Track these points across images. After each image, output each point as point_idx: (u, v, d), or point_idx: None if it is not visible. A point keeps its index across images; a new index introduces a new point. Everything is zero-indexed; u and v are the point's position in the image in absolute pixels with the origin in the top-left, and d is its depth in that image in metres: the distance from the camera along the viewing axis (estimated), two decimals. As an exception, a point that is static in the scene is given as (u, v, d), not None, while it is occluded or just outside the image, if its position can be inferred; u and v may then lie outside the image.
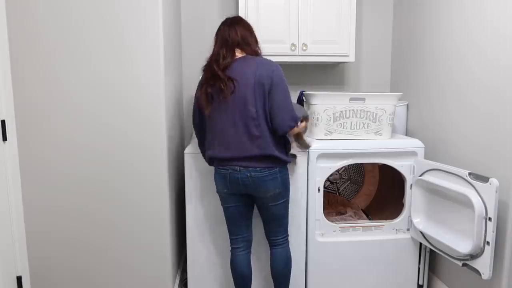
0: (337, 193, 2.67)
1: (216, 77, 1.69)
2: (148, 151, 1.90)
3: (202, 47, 2.66)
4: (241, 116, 1.68)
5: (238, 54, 1.76)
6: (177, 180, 2.27)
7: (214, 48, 1.79)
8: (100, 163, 1.89)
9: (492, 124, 1.77)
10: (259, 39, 2.38)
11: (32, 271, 1.93)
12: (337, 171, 2.53)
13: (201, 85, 1.78)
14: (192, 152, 2.04)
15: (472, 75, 1.90)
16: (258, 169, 1.71)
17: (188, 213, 2.07)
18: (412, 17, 2.50)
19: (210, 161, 1.84)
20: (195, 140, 2.16)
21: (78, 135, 1.86)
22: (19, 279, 1.86)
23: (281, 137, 1.76)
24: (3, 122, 1.73)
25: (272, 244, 1.91)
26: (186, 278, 2.19)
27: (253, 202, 1.87)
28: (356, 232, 2.19)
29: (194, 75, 2.64)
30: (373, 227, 2.20)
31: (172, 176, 2.08)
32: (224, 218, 1.92)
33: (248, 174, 1.71)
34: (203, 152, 1.92)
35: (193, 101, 1.92)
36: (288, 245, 1.92)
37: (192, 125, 1.95)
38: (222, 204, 1.88)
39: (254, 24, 2.32)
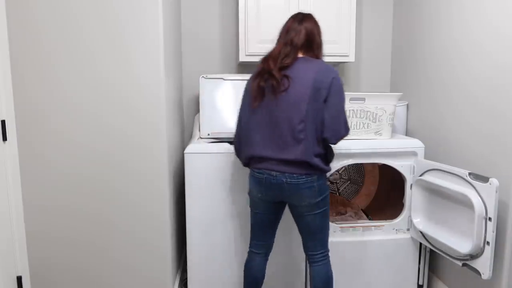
0: (337, 193, 2.67)
1: (271, 74, 1.63)
2: (148, 151, 1.90)
3: (202, 47, 2.66)
4: (289, 116, 1.60)
5: (300, 54, 1.69)
6: (177, 180, 2.27)
7: (277, 43, 1.71)
8: (100, 163, 1.89)
9: (492, 124, 1.77)
10: (259, 39, 2.39)
11: (32, 271, 1.93)
12: (337, 171, 2.53)
13: (254, 78, 1.69)
14: (192, 152, 2.04)
15: (472, 75, 1.90)
16: (294, 175, 1.62)
17: (188, 213, 2.07)
18: (412, 17, 2.50)
19: (247, 160, 1.75)
20: (195, 140, 2.16)
21: (78, 135, 1.86)
22: (19, 279, 1.86)
23: (327, 146, 1.69)
24: (3, 122, 1.73)
25: (310, 261, 1.78)
26: (186, 278, 2.18)
27: (283, 210, 1.81)
28: (356, 232, 2.19)
29: (194, 75, 2.64)
30: (373, 227, 2.20)
31: (172, 176, 2.08)
32: (251, 222, 1.85)
33: (284, 180, 1.63)
34: (239, 151, 1.80)
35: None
36: (328, 262, 1.77)
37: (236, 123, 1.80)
38: (251, 208, 1.81)
39: (254, 24, 2.34)
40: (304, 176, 1.63)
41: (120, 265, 1.98)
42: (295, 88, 1.60)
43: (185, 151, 2.04)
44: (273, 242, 1.86)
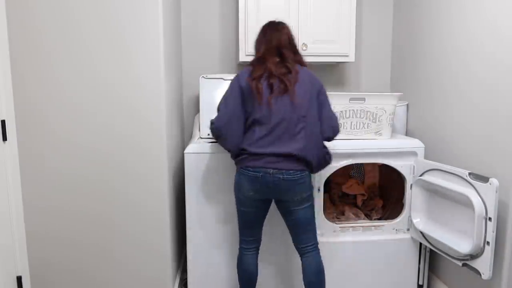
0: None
1: (273, 75, 1.72)
2: (148, 151, 1.90)
3: (202, 47, 2.66)
4: (291, 115, 1.70)
5: (289, 56, 1.79)
6: (177, 180, 2.27)
7: (263, 47, 1.80)
8: (100, 163, 1.89)
9: (492, 124, 1.77)
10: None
11: (32, 271, 1.93)
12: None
13: (255, 77, 1.72)
14: (192, 152, 2.04)
15: (472, 74, 1.90)
16: (291, 171, 1.70)
17: (188, 213, 2.07)
18: (412, 17, 2.50)
19: (237, 151, 1.76)
20: (195, 140, 2.16)
21: (78, 135, 1.86)
22: (19, 279, 1.86)
23: (324, 146, 1.81)
24: (3, 122, 1.73)
25: (300, 253, 1.85)
26: (186, 278, 2.18)
27: (270, 206, 1.85)
28: (356, 232, 2.19)
29: (194, 75, 2.64)
30: (373, 227, 2.20)
31: (172, 176, 2.08)
32: (238, 219, 1.88)
33: (281, 176, 1.70)
34: (225, 139, 1.78)
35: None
36: (318, 253, 1.85)
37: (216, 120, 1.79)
38: (239, 206, 1.83)
39: (254, 24, 2.34)
40: (299, 172, 1.72)
41: (120, 265, 1.98)
42: (297, 90, 1.72)
43: (185, 151, 2.04)
44: (261, 235, 1.92)
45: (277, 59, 1.75)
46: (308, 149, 1.72)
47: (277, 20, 1.87)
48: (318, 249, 1.85)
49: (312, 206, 1.83)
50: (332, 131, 1.79)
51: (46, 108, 1.83)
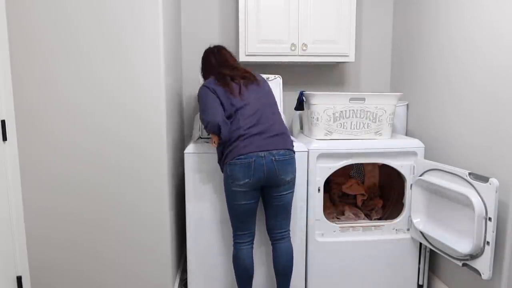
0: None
1: (242, 77, 1.93)
2: (148, 152, 1.90)
3: (202, 47, 2.65)
4: (265, 98, 1.90)
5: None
6: (177, 180, 2.27)
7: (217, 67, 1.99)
8: (100, 163, 1.89)
9: (492, 124, 1.77)
10: (259, 39, 2.41)
11: (32, 271, 1.93)
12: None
13: (223, 79, 1.90)
14: (192, 152, 2.04)
15: (472, 74, 1.90)
16: (281, 151, 1.81)
17: (188, 213, 2.07)
18: (412, 17, 2.50)
19: (229, 145, 1.81)
20: (195, 140, 2.16)
21: (78, 136, 1.86)
22: (19, 279, 1.86)
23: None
24: (3, 122, 1.73)
25: (276, 239, 1.94)
26: (186, 278, 2.19)
27: (259, 197, 1.90)
28: (356, 232, 2.19)
29: (194, 75, 2.64)
30: (373, 227, 2.20)
31: (172, 176, 2.08)
32: (231, 215, 1.90)
33: (273, 158, 1.79)
34: (224, 130, 1.83)
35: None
36: (290, 239, 1.96)
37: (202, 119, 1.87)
38: (233, 201, 1.85)
39: (254, 24, 2.34)
40: (288, 152, 1.84)
41: (120, 265, 1.98)
42: (260, 80, 1.98)
43: (185, 151, 2.04)
44: (255, 228, 1.95)
45: (230, 70, 1.94)
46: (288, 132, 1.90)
47: (212, 45, 2.09)
48: (290, 236, 1.97)
49: (294, 192, 1.94)
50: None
51: (45, 108, 1.83)
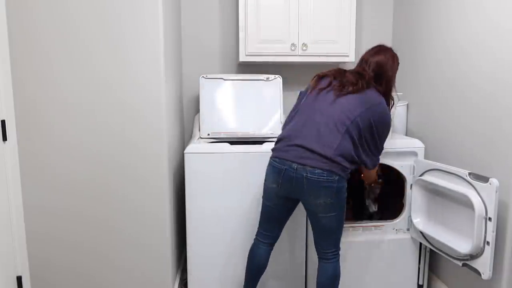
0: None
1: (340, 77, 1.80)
2: (149, 151, 1.90)
3: (202, 47, 2.66)
4: (339, 116, 1.66)
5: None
6: (177, 180, 2.27)
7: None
8: (100, 163, 1.89)
9: (492, 124, 1.77)
10: (259, 39, 2.40)
11: (32, 271, 1.93)
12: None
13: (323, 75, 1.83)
14: (192, 152, 2.04)
15: (472, 74, 1.90)
16: (316, 171, 1.60)
17: (188, 213, 2.07)
18: (412, 17, 2.50)
19: (275, 143, 1.78)
20: (195, 140, 2.16)
21: (78, 135, 1.86)
22: (19, 279, 1.86)
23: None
24: (3, 122, 1.73)
25: (318, 256, 1.80)
26: (186, 278, 2.19)
27: (294, 208, 1.83)
28: (356, 232, 2.19)
29: (194, 75, 2.64)
30: (373, 227, 2.20)
31: (172, 176, 2.08)
32: (260, 210, 1.86)
33: (305, 174, 1.61)
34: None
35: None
36: (337, 261, 1.78)
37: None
38: (263, 198, 1.82)
39: (254, 24, 2.34)
40: (325, 174, 1.60)
41: (120, 265, 1.98)
42: (354, 97, 1.72)
43: (185, 151, 2.03)
44: (280, 234, 1.88)
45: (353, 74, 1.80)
46: (343, 153, 1.63)
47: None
48: (338, 257, 1.78)
49: (338, 217, 1.70)
50: (372, 161, 1.80)
51: (46, 108, 1.83)
